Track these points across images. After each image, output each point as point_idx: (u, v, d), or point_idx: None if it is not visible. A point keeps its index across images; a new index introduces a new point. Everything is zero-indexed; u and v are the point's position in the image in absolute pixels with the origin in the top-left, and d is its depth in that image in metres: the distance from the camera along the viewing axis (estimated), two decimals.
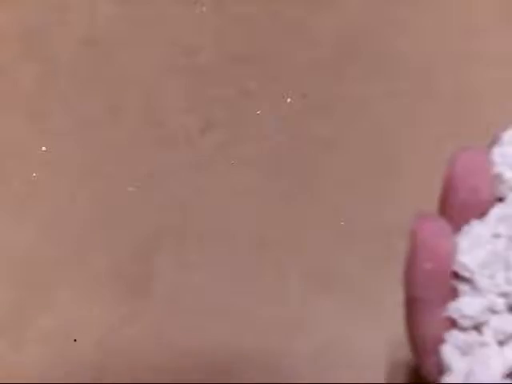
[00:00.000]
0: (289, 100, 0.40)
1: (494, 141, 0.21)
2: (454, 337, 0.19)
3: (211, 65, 0.42)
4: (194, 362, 0.34)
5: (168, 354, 0.34)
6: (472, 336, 0.19)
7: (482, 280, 0.19)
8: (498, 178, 0.20)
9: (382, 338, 0.33)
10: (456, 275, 0.20)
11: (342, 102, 0.40)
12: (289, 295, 0.35)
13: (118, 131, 0.40)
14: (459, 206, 0.20)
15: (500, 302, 0.19)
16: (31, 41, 0.43)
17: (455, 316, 0.19)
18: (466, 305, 0.19)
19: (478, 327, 0.19)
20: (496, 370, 0.18)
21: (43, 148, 0.40)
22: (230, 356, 0.34)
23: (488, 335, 0.19)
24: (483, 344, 0.19)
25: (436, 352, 0.20)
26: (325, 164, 0.38)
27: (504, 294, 0.19)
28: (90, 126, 0.40)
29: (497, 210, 0.20)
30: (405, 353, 0.33)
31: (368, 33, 0.42)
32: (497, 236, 0.20)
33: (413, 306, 0.20)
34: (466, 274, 0.19)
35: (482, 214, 0.20)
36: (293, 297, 0.35)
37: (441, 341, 0.20)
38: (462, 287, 0.19)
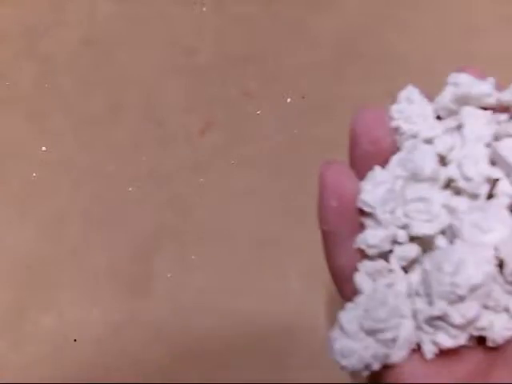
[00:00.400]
0: (289, 100, 0.40)
1: (393, 100, 0.24)
2: (365, 265, 0.22)
3: (211, 65, 0.42)
4: (193, 362, 0.34)
5: (168, 354, 0.34)
6: (380, 264, 0.21)
7: (382, 214, 0.22)
8: (397, 130, 0.23)
9: None
10: (362, 212, 0.22)
11: (341, 102, 0.40)
12: (289, 295, 0.35)
13: (117, 131, 0.40)
14: (363, 156, 0.23)
15: (402, 234, 0.21)
16: (31, 40, 0.43)
17: (362, 246, 0.22)
18: (370, 236, 0.22)
19: (384, 256, 0.22)
20: (400, 291, 0.21)
21: (43, 148, 0.40)
22: (230, 355, 0.34)
23: (393, 263, 0.21)
24: (390, 270, 0.21)
25: (351, 280, 0.22)
26: None
27: (404, 226, 0.22)
28: (90, 126, 0.40)
29: (395, 156, 0.22)
30: None
31: (368, 33, 0.42)
32: (396, 178, 0.22)
33: (327, 239, 0.23)
34: (368, 210, 0.22)
35: (385, 162, 0.22)
36: (293, 296, 0.35)
37: (355, 270, 0.22)
38: (367, 222, 0.22)
